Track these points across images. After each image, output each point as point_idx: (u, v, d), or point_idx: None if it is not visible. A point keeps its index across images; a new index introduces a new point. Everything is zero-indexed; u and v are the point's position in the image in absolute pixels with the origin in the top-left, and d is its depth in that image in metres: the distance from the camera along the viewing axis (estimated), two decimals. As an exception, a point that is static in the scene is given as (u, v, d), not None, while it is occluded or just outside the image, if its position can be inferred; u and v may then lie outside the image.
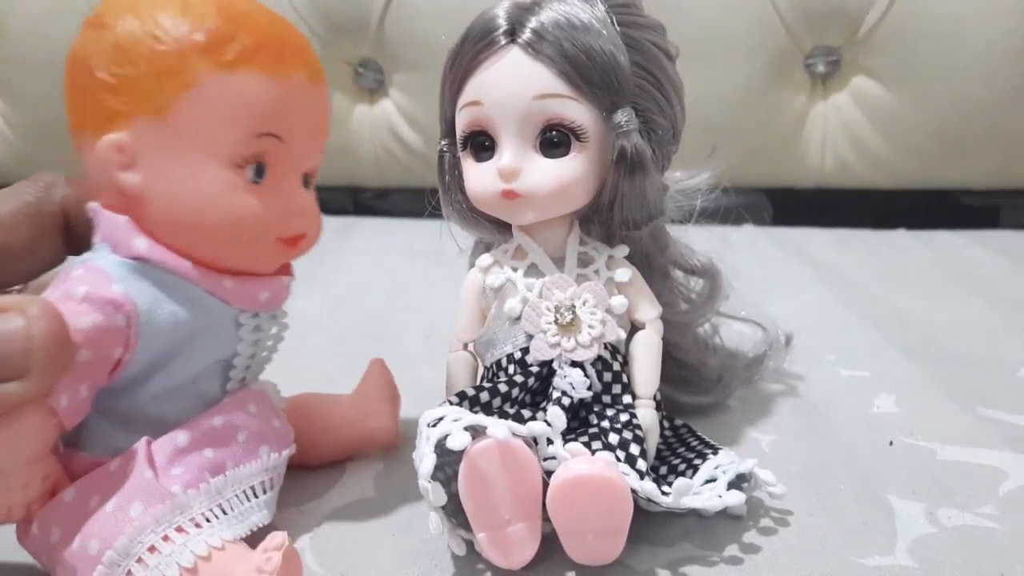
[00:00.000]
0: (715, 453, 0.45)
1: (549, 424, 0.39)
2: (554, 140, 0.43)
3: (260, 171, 0.38)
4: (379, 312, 0.78)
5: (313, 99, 0.40)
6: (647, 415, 0.44)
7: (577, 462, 0.37)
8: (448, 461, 0.38)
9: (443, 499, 0.37)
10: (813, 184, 1.12)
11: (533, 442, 0.39)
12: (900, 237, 1.04)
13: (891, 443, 0.50)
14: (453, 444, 0.36)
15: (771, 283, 0.83)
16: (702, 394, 0.54)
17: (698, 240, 0.52)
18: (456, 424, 0.37)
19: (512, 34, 0.42)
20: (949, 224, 1.07)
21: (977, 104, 1.03)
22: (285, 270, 0.43)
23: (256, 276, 0.40)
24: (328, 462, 0.49)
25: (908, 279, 0.86)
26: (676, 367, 0.52)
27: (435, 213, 0.49)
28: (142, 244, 0.37)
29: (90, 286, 0.35)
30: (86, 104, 0.37)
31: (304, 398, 0.49)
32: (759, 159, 1.09)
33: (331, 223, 1.15)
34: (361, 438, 0.50)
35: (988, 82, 1.02)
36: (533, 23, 0.42)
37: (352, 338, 0.71)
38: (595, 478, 0.36)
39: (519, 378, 0.43)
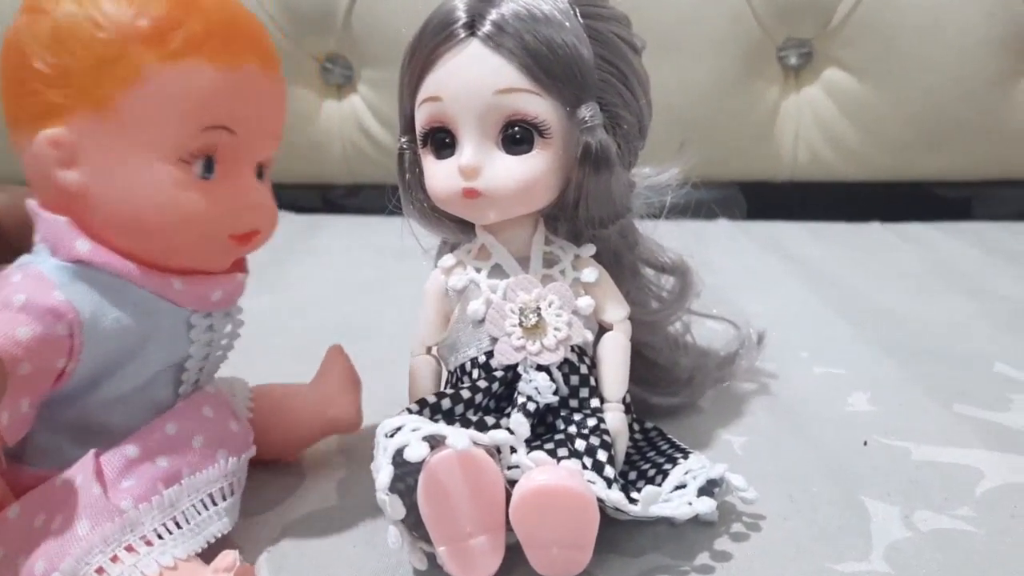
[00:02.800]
0: (685, 457, 0.43)
1: (512, 432, 0.37)
2: (516, 136, 0.41)
3: (209, 166, 0.36)
4: (348, 313, 0.77)
5: (266, 88, 0.38)
6: (615, 419, 0.42)
7: (540, 472, 0.36)
8: (408, 471, 0.36)
9: (402, 512, 0.35)
10: (787, 177, 1.11)
11: (496, 450, 0.37)
12: (874, 230, 1.03)
13: (865, 443, 0.49)
14: (411, 455, 0.34)
15: (745, 279, 0.82)
16: (673, 395, 0.53)
17: (671, 236, 0.51)
18: (414, 434, 0.35)
19: (472, 27, 0.41)
20: (923, 216, 1.07)
21: (950, 95, 1.03)
22: (239, 266, 0.41)
23: (207, 275, 0.38)
24: (291, 452, 0.48)
25: (883, 273, 0.86)
26: (646, 367, 0.51)
27: (397, 211, 0.48)
28: (84, 246, 0.35)
29: (29, 294, 0.34)
30: (22, 96, 0.34)
31: (262, 389, 0.48)
32: (732, 153, 1.08)
33: (300, 221, 1.14)
34: (323, 426, 0.49)
35: (961, 73, 1.02)
36: (493, 15, 0.40)
37: (320, 339, 0.68)
38: (559, 489, 0.35)
39: (483, 383, 0.41)
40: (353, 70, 1.14)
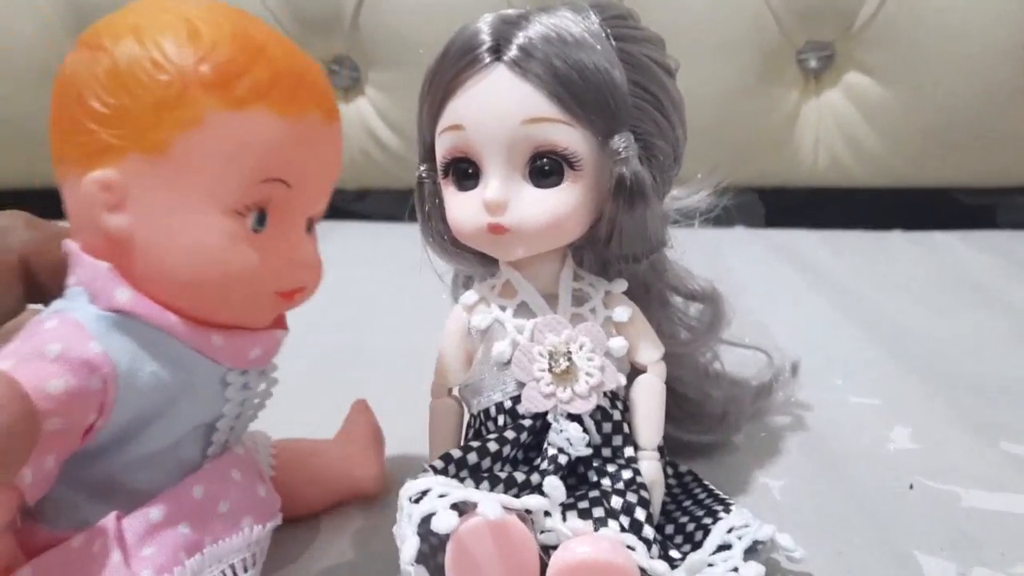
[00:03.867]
0: (727, 510, 0.41)
1: (546, 495, 0.35)
2: (545, 169, 0.38)
3: (262, 219, 0.34)
4: (355, 332, 0.74)
5: (327, 141, 0.36)
6: (651, 469, 0.40)
7: (579, 543, 0.33)
8: (432, 531, 0.34)
9: (428, 586, 0.33)
10: (805, 183, 1.08)
11: (527, 512, 0.35)
12: (896, 239, 1.00)
13: (911, 487, 0.46)
14: (439, 527, 0.32)
15: (768, 293, 0.80)
16: (706, 432, 0.50)
17: (688, 243, 0.47)
18: (442, 501, 0.33)
19: (497, 51, 0.38)
20: (945, 224, 1.04)
21: (973, 100, 1.00)
22: (279, 323, 0.38)
23: (247, 331, 0.36)
24: (310, 513, 0.45)
25: (910, 287, 0.83)
26: (676, 402, 0.48)
27: (411, 219, 0.45)
28: (125, 296, 0.33)
29: (65, 343, 0.31)
30: (73, 134, 0.32)
31: (285, 445, 0.45)
32: (749, 158, 1.05)
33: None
34: (346, 488, 0.46)
35: (985, 77, 0.99)
36: (520, 38, 0.38)
37: (327, 364, 0.67)
38: (601, 564, 0.32)
39: (510, 434, 0.39)
40: (360, 72, 1.11)
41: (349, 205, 1.20)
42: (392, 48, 1.06)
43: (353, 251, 1.00)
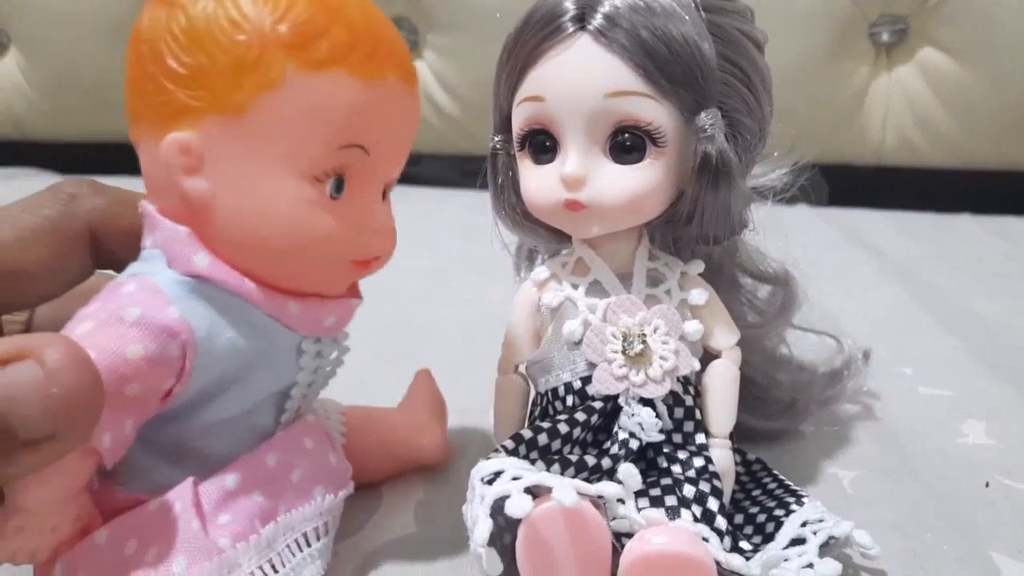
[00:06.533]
0: (799, 503, 0.39)
1: (619, 481, 0.34)
2: (627, 144, 0.37)
3: (340, 185, 0.33)
4: (410, 302, 0.73)
5: (405, 105, 0.35)
6: (723, 457, 0.39)
7: (655, 534, 0.32)
8: (500, 509, 0.33)
9: (499, 568, 0.32)
10: (871, 162, 1.05)
11: (600, 498, 0.34)
12: (966, 223, 0.97)
13: (987, 484, 0.45)
14: (513, 511, 0.31)
15: (831, 276, 0.77)
16: (773, 418, 0.49)
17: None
18: (515, 484, 0.32)
19: (581, 20, 0.37)
20: (1015, 208, 1.00)
21: (1053, 80, 0.96)
22: (353, 291, 0.38)
23: (323, 299, 0.35)
24: (375, 481, 0.45)
25: (981, 273, 0.80)
26: (743, 385, 0.47)
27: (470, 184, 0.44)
28: (204, 261, 0.32)
29: (144, 308, 0.30)
30: (149, 94, 0.31)
31: (354, 412, 0.44)
32: (815, 134, 1.02)
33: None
34: (411, 456, 0.46)
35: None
36: (606, 7, 0.36)
37: (381, 336, 0.65)
38: (677, 556, 0.31)
39: (581, 416, 0.38)
40: (419, 35, 1.09)
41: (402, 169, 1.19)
42: (452, 11, 1.04)
43: (406, 217, 0.99)
